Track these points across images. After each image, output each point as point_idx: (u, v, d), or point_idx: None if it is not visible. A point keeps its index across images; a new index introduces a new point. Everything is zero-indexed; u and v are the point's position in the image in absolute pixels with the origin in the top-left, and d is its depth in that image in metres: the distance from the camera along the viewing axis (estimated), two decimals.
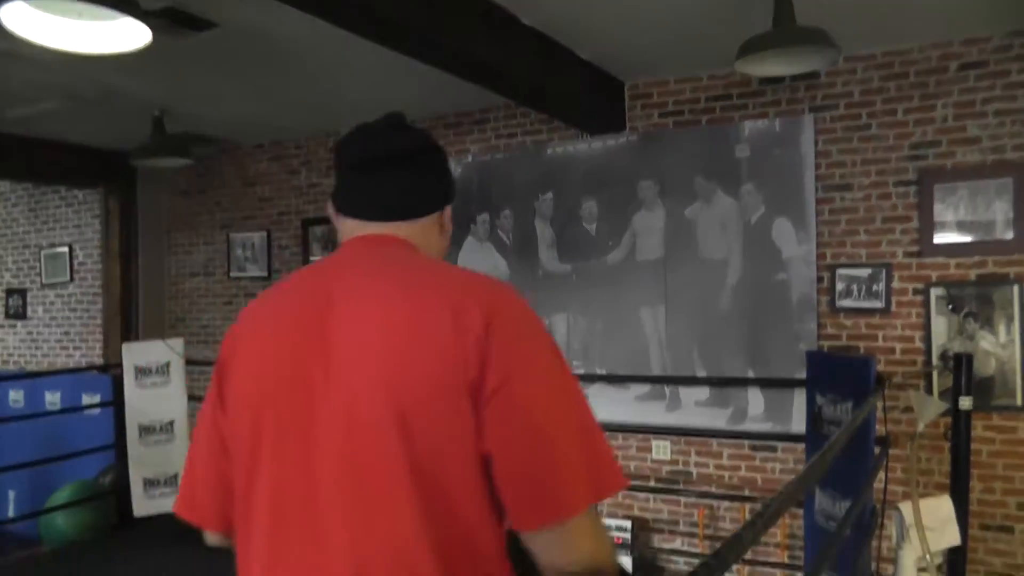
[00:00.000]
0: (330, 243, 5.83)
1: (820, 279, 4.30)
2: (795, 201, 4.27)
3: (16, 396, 7.08)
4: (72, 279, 7.43)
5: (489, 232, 5.09)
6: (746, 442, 4.51)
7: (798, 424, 4.21)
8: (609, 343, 4.77)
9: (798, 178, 4.27)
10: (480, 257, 5.13)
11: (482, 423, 1.09)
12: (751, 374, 4.41)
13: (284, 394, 1.20)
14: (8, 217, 8.17)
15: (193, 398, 5.81)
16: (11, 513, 6.46)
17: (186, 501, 1.35)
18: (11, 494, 6.75)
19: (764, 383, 4.39)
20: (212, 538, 1.37)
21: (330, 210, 1.38)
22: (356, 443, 1.13)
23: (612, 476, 1.13)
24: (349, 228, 1.34)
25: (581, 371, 4.82)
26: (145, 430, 5.48)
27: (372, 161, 1.31)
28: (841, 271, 4.24)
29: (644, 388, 4.70)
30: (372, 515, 1.13)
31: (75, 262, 7.43)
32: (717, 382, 4.51)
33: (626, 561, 4.60)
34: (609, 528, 4.68)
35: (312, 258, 5.92)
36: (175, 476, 5.45)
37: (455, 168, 5.21)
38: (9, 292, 8.04)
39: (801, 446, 4.17)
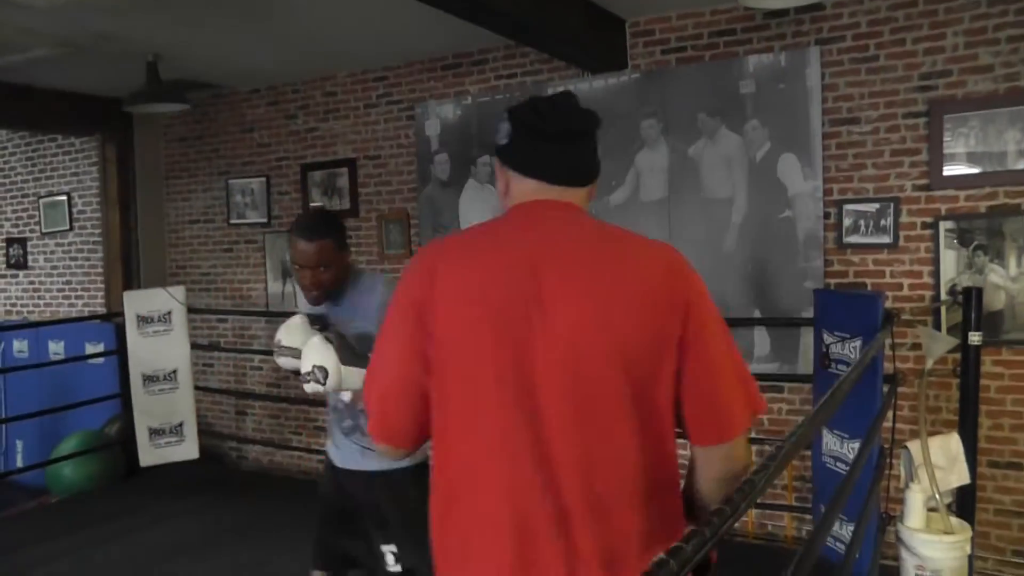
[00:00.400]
0: (329, 188, 5.75)
1: (827, 215, 4.21)
2: (801, 136, 4.17)
3: (20, 346, 7.09)
4: (72, 228, 7.36)
5: (490, 175, 4.98)
6: None
7: (805, 364, 4.18)
8: None
9: (804, 113, 4.16)
10: (481, 200, 5.05)
11: (681, 363, 1.41)
12: (757, 314, 4.34)
13: (503, 327, 1.39)
14: (6, 166, 8.08)
15: (196, 346, 5.80)
16: (19, 463, 6.50)
17: (381, 425, 1.53)
18: (19, 444, 6.79)
19: (770, 323, 4.33)
20: (397, 453, 1.56)
21: (499, 168, 1.61)
22: (581, 374, 1.37)
23: (761, 401, 1.50)
24: (529, 189, 1.55)
25: None
26: (149, 379, 5.46)
27: (572, 132, 1.54)
28: (848, 207, 4.16)
29: None
30: (597, 433, 1.38)
31: (74, 211, 7.36)
32: None
33: None
34: None
35: (312, 203, 5.84)
36: (180, 425, 5.45)
37: (455, 110, 5.10)
38: (9, 242, 7.98)
39: (808, 386, 4.14)
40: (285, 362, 2.50)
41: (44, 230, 7.62)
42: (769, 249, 4.27)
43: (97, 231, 7.02)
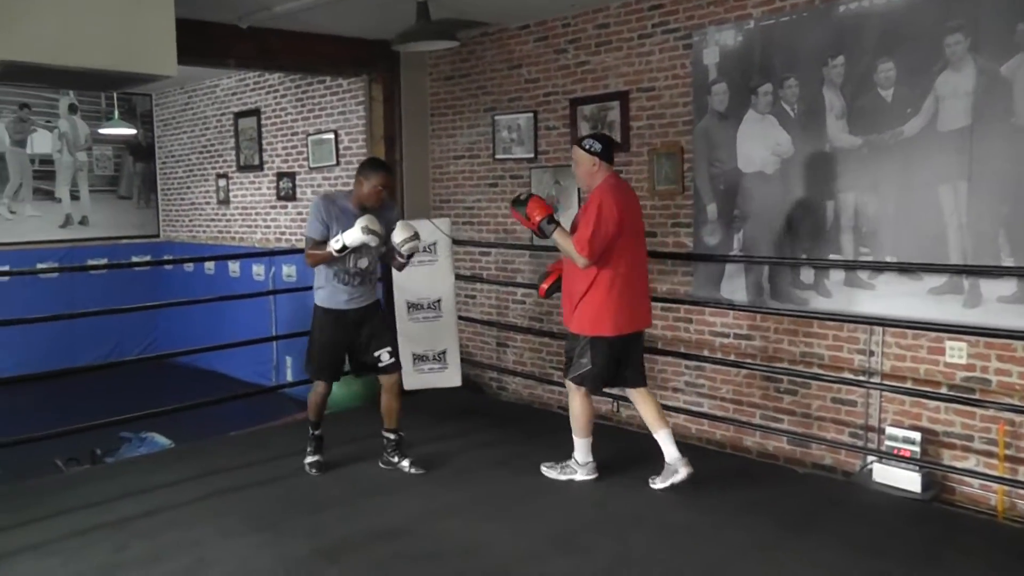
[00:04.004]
0: (599, 122, 6.23)
1: None
2: None
3: (289, 271, 8.22)
4: (338, 163, 8.40)
5: (771, 104, 5.22)
6: None
7: None
8: (901, 227, 4.79)
9: None
10: (760, 132, 5.31)
11: None
12: None
13: (632, 220, 4.58)
14: (277, 107, 9.30)
15: (459, 278, 6.48)
16: (289, 378, 7.57)
17: (593, 256, 4.48)
18: (288, 360, 7.88)
19: None
20: (587, 264, 4.52)
21: (594, 160, 4.58)
22: (641, 234, 4.71)
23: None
24: (606, 167, 4.60)
25: (869, 258, 4.90)
26: (413, 306, 6.21)
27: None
28: None
29: (939, 280, 4.65)
30: (643, 258, 4.75)
31: (340, 147, 8.38)
32: None
33: (913, 478, 4.67)
34: (895, 439, 4.80)
35: (580, 136, 6.31)
36: (443, 353, 6.16)
37: (735, 36, 5.36)
38: (280, 176, 9.23)
39: None
40: (370, 238, 4.56)
41: (312, 165, 8.74)
42: None
43: None
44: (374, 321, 5.04)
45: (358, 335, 4.98)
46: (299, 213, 8.93)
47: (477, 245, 7.27)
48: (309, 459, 5.11)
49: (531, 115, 6.81)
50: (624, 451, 5.33)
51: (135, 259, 10.69)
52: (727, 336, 5.72)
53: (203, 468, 5.20)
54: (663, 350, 5.96)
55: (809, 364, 5.30)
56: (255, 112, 9.67)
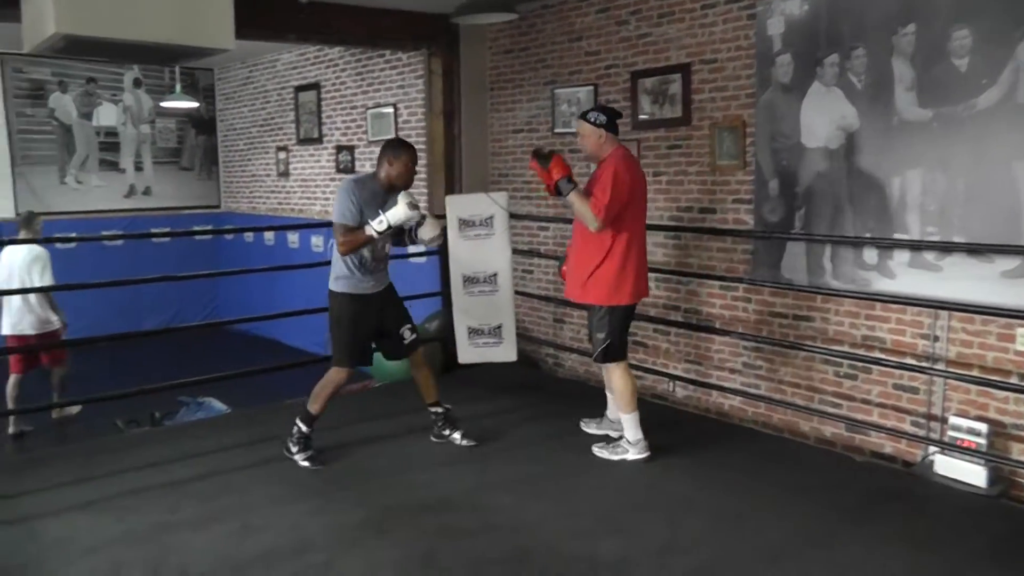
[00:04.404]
0: (660, 95, 6.14)
1: None
2: None
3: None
4: (396, 137, 8.36)
5: (838, 76, 5.07)
6: None
7: None
8: (972, 205, 4.62)
9: None
10: (826, 104, 5.16)
11: None
12: None
13: (640, 190, 4.78)
14: (337, 81, 9.35)
15: (516, 252, 6.44)
16: None
17: (608, 220, 4.62)
18: None
19: None
20: (601, 227, 4.66)
21: (600, 132, 4.73)
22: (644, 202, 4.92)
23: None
24: (613, 138, 4.77)
25: (936, 238, 4.74)
26: (469, 280, 6.18)
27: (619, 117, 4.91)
28: None
29: (1013, 262, 4.48)
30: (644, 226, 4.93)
31: (399, 120, 8.38)
32: None
33: (978, 472, 4.51)
34: (959, 429, 4.66)
35: (642, 115, 6.31)
36: (499, 327, 6.12)
37: (802, 5, 5.22)
38: (339, 149, 9.29)
39: None
40: (415, 214, 4.67)
41: (371, 138, 8.75)
42: None
43: (421, 140, 7.95)
44: (392, 301, 5.10)
45: (382, 317, 5.00)
46: None
47: (535, 220, 7.23)
48: (303, 455, 4.88)
49: (591, 88, 6.73)
50: (677, 432, 5.29)
51: (196, 228, 10.88)
52: (786, 317, 5.60)
53: (257, 434, 5.30)
54: (721, 330, 5.88)
55: (870, 348, 5.16)
56: (315, 86, 9.74)
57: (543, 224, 7.27)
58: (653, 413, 4.86)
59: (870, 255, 5.05)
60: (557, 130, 7.03)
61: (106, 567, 3.66)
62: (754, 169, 5.61)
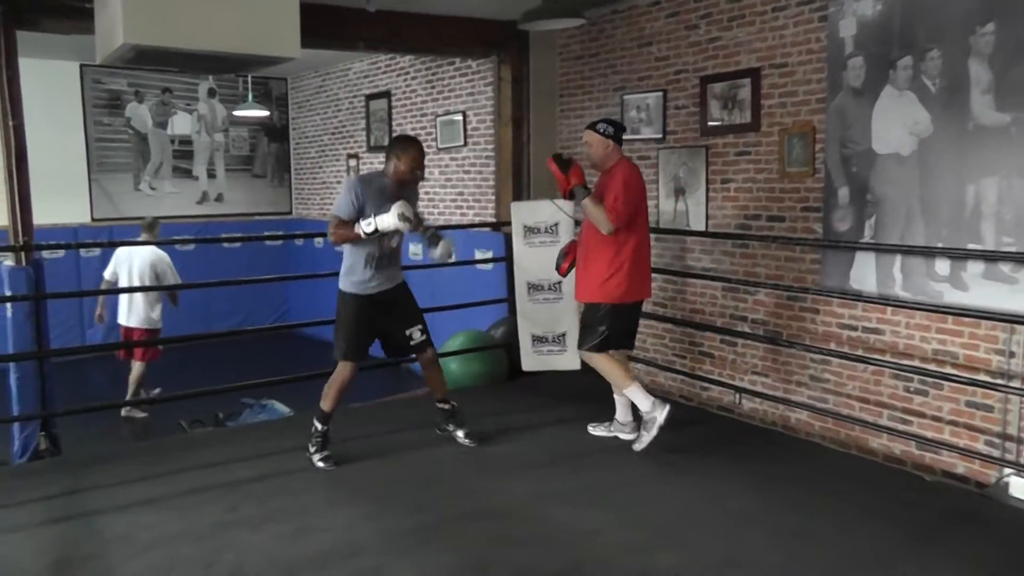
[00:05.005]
0: (729, 101, 6.06)
1: None
2: None
3: (415, 249, 8.34)
4: (465, 144, 8.47)
5: (911, 79, 4.93)
6: None
7: None
8: None
9: None
10: (898, 109, 5.01)
11: None
12: None
13: (642, 197, 5.13)
14: (407, 89, 9.46)
15: None
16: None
17: (619, 223, 4.92)
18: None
19: None
20: (612, 229, 4.92)
21: (609, 143, 5.07)
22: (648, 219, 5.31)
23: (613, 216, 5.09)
24: (618, 149, 5.12)
25: (1012, 248, 4.55)
26: (533, 287, 6.19)
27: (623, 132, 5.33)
28: None
29: None
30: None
31: (468, 127, 8.44)
32: None
33: None
34: None
35: (711, 121, 6.25)
36: (563, 335, 6.11)
37: (875, 5, 5.09)
38: None
39: None
40: (404, 225, 4.65)
41: (440, 145, 8.83)
42: None
43: (490, 147, 8.00)
44: (402, 301, 5.15)
45: (388, 316, 5.07)
46: (425, 193, 9.03)
47: None
48: (319, 455, 4.95)
49: (660, 94, 6.68)
50: (742, 445, 5.20)
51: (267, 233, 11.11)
52: (855, 329, 5.46)
53: None
54: (788, 341, 5.76)
55: (942, 363, 4.99)
56: (386, 94, 9.86)
57: None
58: (718, 426, 4.77)
59: (942, 266, 4.89)
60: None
61: (163, 562, 3.75)
62: (823, 176, 5.49)
